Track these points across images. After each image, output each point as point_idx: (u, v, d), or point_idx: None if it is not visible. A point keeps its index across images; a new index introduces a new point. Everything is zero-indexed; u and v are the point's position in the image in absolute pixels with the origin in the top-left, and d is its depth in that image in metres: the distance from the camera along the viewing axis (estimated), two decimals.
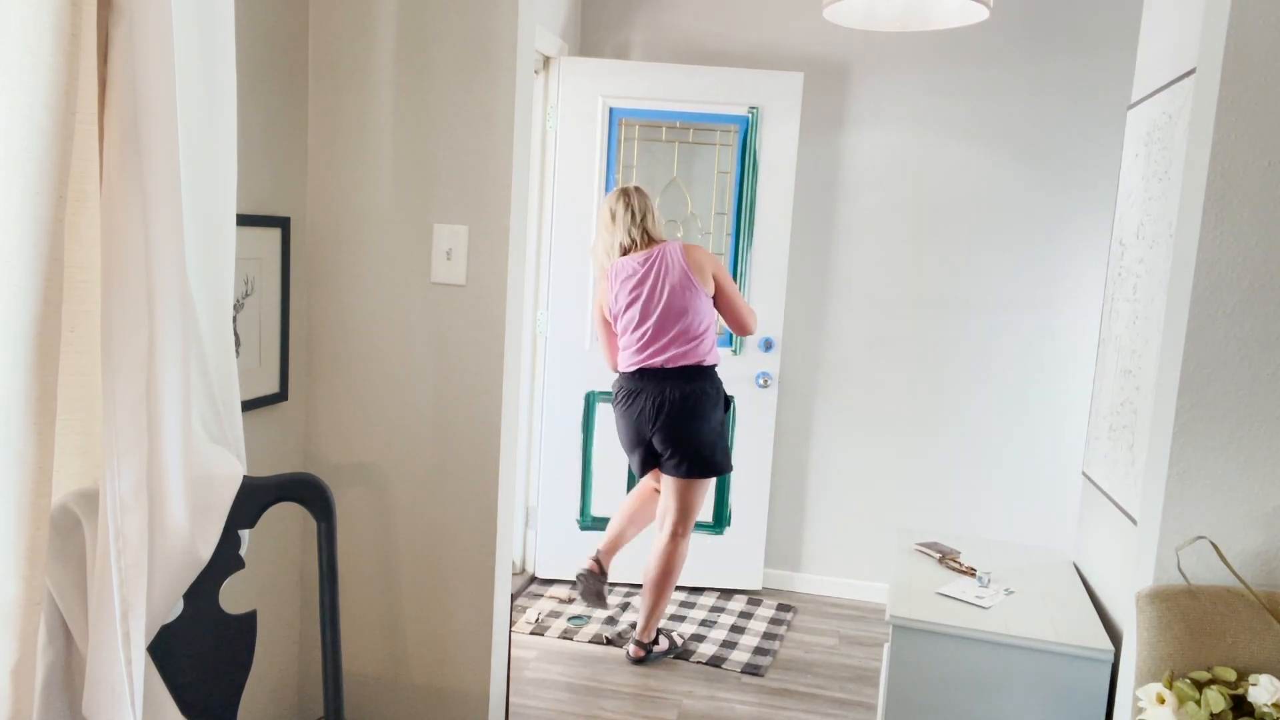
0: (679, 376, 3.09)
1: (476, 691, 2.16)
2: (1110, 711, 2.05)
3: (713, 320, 3.18)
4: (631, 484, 3.82)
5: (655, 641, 3.26)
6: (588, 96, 3.66)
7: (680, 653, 3.29)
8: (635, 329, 3.13)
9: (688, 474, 3.13)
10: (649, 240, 3.14)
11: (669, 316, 3.08)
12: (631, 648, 3.23)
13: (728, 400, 3.24)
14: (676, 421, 3.09)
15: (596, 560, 3.35)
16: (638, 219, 3.13)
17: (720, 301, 3.17)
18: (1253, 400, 1.62)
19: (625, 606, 3.64)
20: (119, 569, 1.22)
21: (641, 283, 3.10)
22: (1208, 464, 1.65)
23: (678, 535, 3.20)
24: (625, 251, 3.14)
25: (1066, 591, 2.36)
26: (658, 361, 3.10)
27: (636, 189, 3.19)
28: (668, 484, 3.19)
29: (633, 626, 3.41)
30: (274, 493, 1.56)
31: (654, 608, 3.22)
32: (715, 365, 3.18)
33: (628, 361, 3.16)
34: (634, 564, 3.76)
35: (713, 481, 3.24)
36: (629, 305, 3.13)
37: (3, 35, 1.04)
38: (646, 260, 3.10)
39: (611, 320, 3.21)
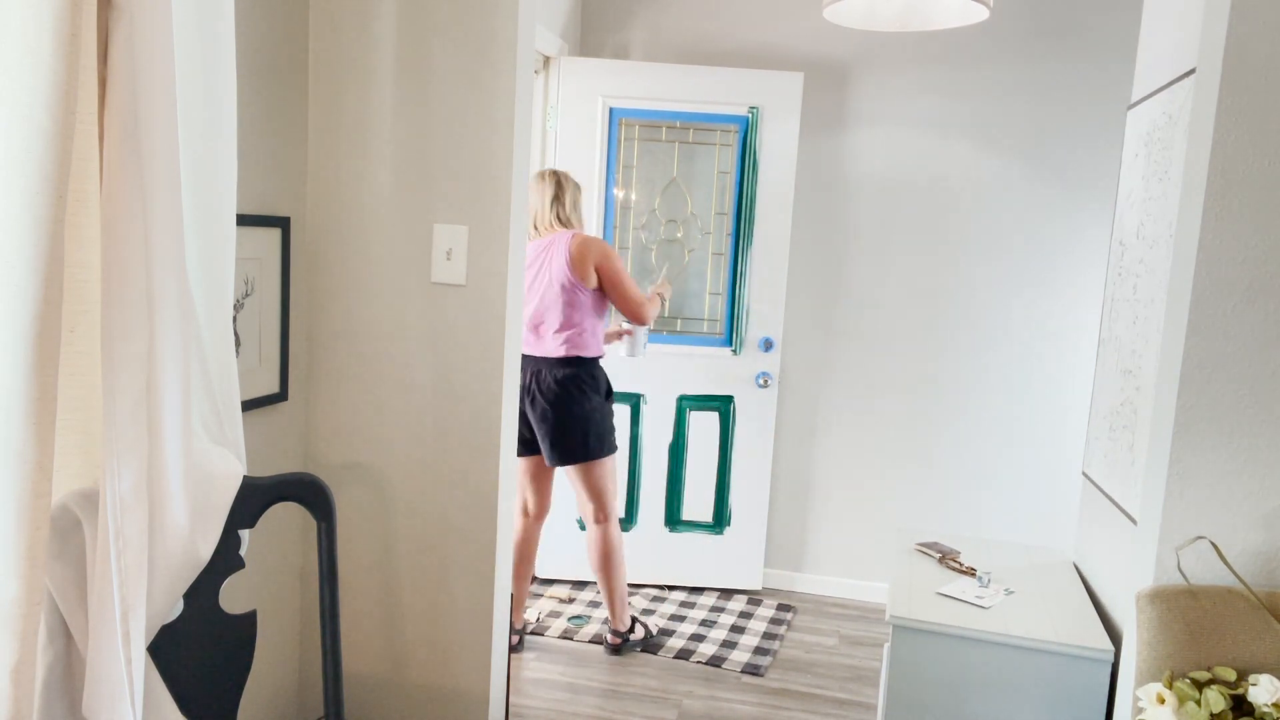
0: (553, 364, 3.12)
1: (476, 691, 2.16)
2: (1110, 711, 2.05)
3: (596, 316, 3.16)
4: (631, 486, 3.82)
5: (631, 630, 3.31)
6: (588, 96, 3.66)
7: (652, 640, 3.35)
8: (525, 309, 3.16)
9: (564, 459, 3.14)
10: (554, 225, 3.14)
11: (546, 309, 3.12)
12: (609, 636, 3.29)
13: (609, 390, 3.24)
14: (551, 405, 3.11)
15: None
16: (547, 206, 3.14)
17: (607, 293, 3.15)
18: (1252, 400, 1.62)
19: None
20: (119, 569, 1.22)
21: (530, 271, 3.14)
22: (1208, 464, 1.65)
23: (600, 522, 3.24)
24: (531, 237, 3.18)
25: (1066, 591, 2.36)
26: (532, 351, 3.15)
27: (553, 173, 3.17)
28: (567, 475, 3.22)
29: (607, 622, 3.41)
30: (274, 493, 1.56)
31: (611, 596, 3.28)
32: (595, 357, 3.17)
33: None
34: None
35: (609, 463, 3.20)
36: (527, 289, 3.17)
37: (3, 35, 1.04)
38: (540, 250, 3.14)
39: None
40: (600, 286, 3.12)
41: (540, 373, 3.12)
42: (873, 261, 3.77)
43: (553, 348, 3.11)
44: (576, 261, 3.07)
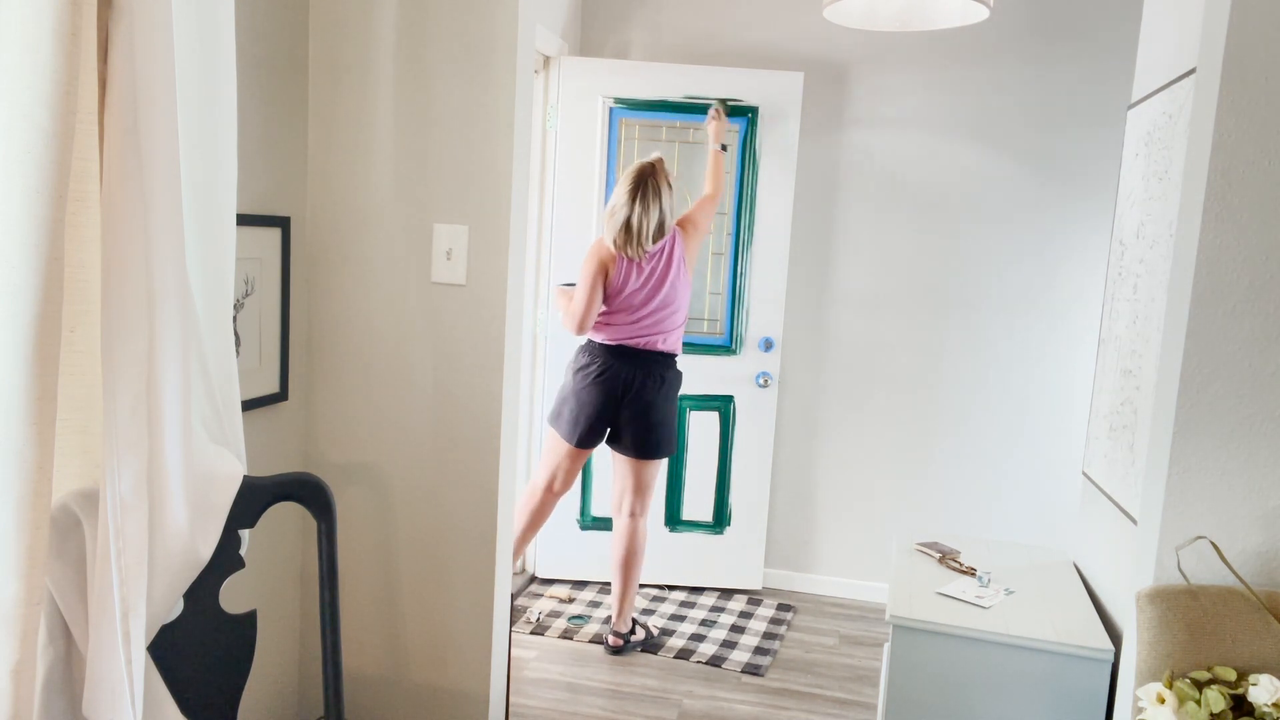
0: (657, 362, 3.21)
1: (476, 691, 2.16)
2: (1110, 711, 2.05)
3: (688, 310, 3.32)
4: None
5: (632, 631, 3.32)
6: (588, 96, 3.66)
7: (652, 641, 3.35)
8: (633, 311, 3.19)
9: (650, 454, 3.23)
10: (661, 236, 3.17)
11: (665, 308, 3.19)
12: (610, 637, 3.29)
13: None
14: (649, 403, 3.19)
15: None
16: (652, 225, 3.10)
17: (693, 244, 3.30)
18: (1253, 400, 1.62)
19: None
20: (119, 569, 1.22)
21: (650, 278, 3.17)
22: (1208, 464, 1.65)
23: (636, 515, 3.29)
24: (632, 258, 3.14)
25: (1066, 591, 2.36)
26: (641, 343, 3.19)
27: (656, 178, 3.10)
28: (624, 466, 3.28)
29: (608, 621, 3.41)
30: (274, 493, 1.56)
31: (625, 592, 3.30)
32: (679, 355, 3.33)
33: (614, 336, 3.21)
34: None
35: (664, 463, 3.35)
36: (633, 291, 3.18)
37: (3, 35, 1.04)
38: (653, 256, 3.18)
39: (610, 292, 3.19)
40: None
41: (644, 369, 3.19)
42: (873, 261, 3.77)
43: (657, 343, 3.20)
44: (690, 254, 3.23)
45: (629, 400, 3.18)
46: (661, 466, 3.34)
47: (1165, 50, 2.22)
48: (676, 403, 3.30)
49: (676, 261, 3.19)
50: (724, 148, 3.47)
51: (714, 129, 3.47)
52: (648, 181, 3.09)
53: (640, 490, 3.28)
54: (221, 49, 1.41)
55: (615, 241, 3.11)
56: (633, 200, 3.08)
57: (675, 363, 3.29)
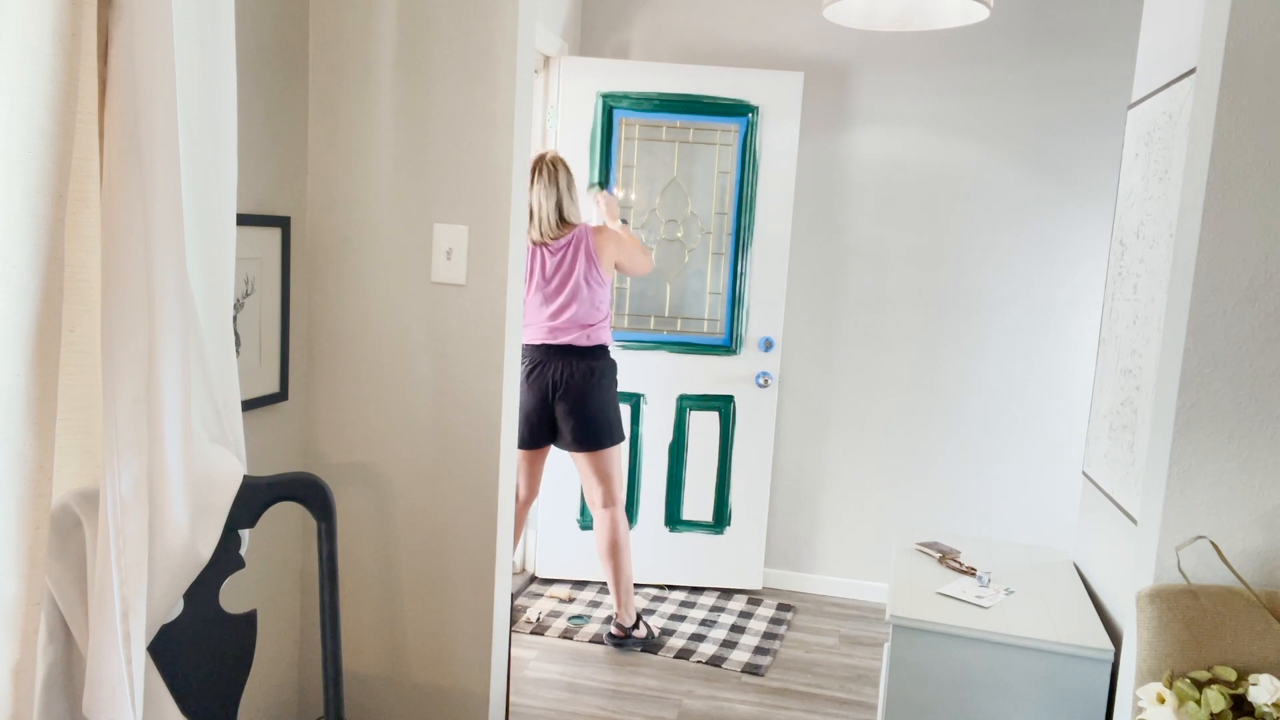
0: (580, 354, 3.21)
1: (476, 691, 2.16)
2: (1110, 711, 2.05)
3: (610, 305, 3.31)
4: (631, 486, 3.82)
5: (635, 626, 3.33)
6: (588, 96, 3.66)
7: (653, 641, 3.36)
8: (543, 306, 3.21)
9: (592, 446, 3.23)
10: (564, 225, 3.17)
11: (574, 303, 3.19)
12: (612, 628, 3.31)
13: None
14: (579, 394, 3.19)
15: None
16: (550, 208, 3.14)
17: (621, 269, 3.29)
18: (1253, 400, 1.62)
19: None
20: (119, 569, 1.22)
21: (556, 270, 3.18)
22: (1208, 464, 1.65)
23: (608, 506, 3.30)
24: (540, 242, 3.18)
25: (1066, 591, 2.36)
26: (561, 340, 3.20)
27: (552, 164, 3.15)
28: (579, 462, 3.29)
29: (609, 620, 3.41)
30: (274, 493, 1.56)
31: (618, 581, 3.31)
32: (608, 346, 3.31)
33: (536, 335, 3.23)
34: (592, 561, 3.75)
35: (621, 449, 3.33)
36: (540, 286, 3.21)
37: (3, 35, 1.04)
38: (561, 249, 3.18)
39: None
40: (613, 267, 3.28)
41: (570, 364, 3.19)
42: (873, 261, 3.77)
43: (582, 339, 3.19)
44: (603, 258, 3.19)
45: (560, 396, 3.20)
46: (615, 455, 3.30)
47: (1165, 50, 2.22)
48: (614, 390, 3.28)
49: (584, 255, 3.16)
50: (624, 222, 3.45)
51: (603, 210, 3.43)
52: (544, 165, 3.15)
53: (603, 481, 3.28)
54: (222, 49, 1.41)
55: (531, 215, 3.15)
56: (532, 183, 3.12)
57: (606, 353, 3.27)
